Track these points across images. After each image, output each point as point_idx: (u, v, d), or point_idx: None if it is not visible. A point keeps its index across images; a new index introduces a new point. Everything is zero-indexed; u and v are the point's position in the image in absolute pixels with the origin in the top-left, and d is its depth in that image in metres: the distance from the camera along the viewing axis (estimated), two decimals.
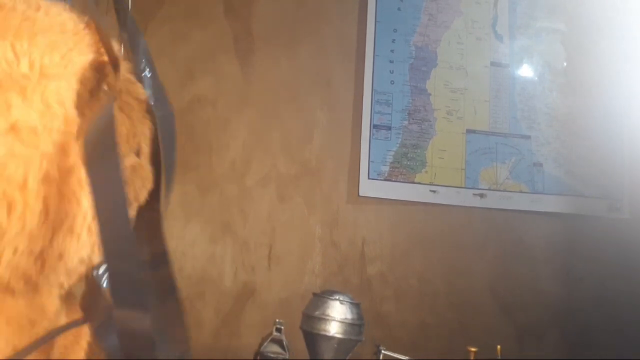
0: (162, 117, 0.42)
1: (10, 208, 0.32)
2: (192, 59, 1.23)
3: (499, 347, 0.57)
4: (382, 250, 1.23)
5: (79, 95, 0.36)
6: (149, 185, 0.41)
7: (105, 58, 0.40)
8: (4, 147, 0.32)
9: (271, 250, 1.23)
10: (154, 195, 0.41)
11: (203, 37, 1.23)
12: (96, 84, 0.38)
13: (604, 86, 1.29)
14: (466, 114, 1.24)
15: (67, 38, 0.38)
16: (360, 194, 1.21)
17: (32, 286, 0.35)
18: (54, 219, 0.33)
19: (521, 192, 1.24)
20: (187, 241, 1.19)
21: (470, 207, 1.23)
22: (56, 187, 0.33)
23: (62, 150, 0.34)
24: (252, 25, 1.26)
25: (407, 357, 0.54)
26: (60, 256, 0.35)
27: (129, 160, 0.39)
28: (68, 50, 0.37)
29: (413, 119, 1.23)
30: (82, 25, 0.40)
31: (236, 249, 1.21)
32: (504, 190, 1.23)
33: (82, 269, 0.39)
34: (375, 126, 1.22)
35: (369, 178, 1.20)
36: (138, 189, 0.40)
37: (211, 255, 1.19)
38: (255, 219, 1.22)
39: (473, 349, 0.56)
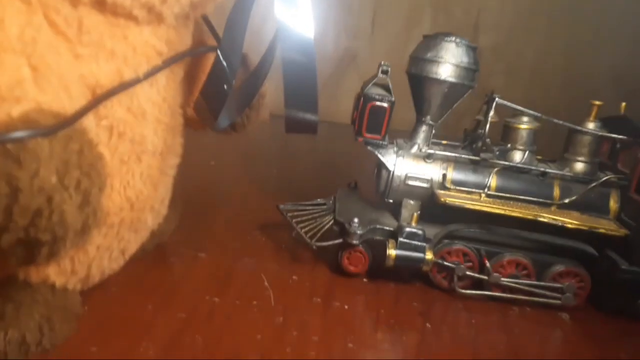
0: None
1: None
2: None
3: (624, 104, 0.51)
4: (500, 20, 1.11)
5: None
6: None
7: None
8: None
9: (375, 14, 1.15)
10: None
11: None
12: None
13: None
14: None
15: None
16: None
17: (156, 15, 0.33)
18: None
19: None
20: None
21: None
22: None
23: None
24: None
25: (521, 107, 0.49)
26: None
27: None
28: None
29: None
30: None
31: (338, 11, 1.14)
32: None
33: (210, 3, 0.36)
34: None
35: None
36: None
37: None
38: None
39: (597, 103, 0.50)
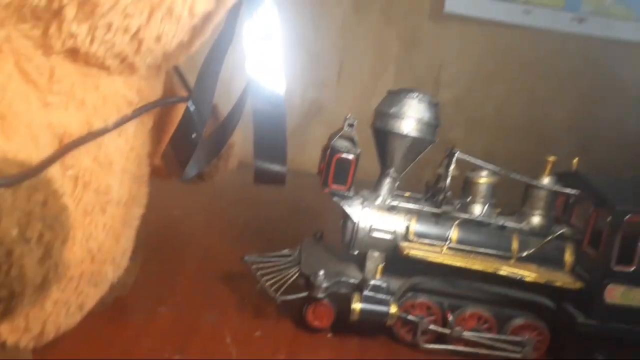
0: None
1: None
2: None
3: (577, 159, 0.54)
4: (460, 75, 1.16)
5: None
6: None
7: None
8: None
9: (341, 68, 1.18)
10: None
11: None
12: None
13: None
14: None
15: None
16: (446, 10, 1.10)
17: (129, 66, 0.33)
18: None
19: (628, 18, 1.09)
20: None
21: (566, 32, 1.10)
22: None
23: None
24: None
25: (482, 161, 0.51)
26: (158, 39, 0.32)
27: None
28: None
29: None
30: None
31: (305, 63, 1.17)
32: (608, 16, 1.09)
33: (182, 55, 0.37)
34: None
35: None
36: None
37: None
38: (328, 31, 1.15)
39: (551, 159, 0.52)
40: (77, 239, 0.33)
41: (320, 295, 0.46)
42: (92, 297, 0.37)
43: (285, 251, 0.53)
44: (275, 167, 0.39)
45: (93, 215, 0.34)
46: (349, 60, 1.17)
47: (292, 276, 0.49)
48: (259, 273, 0.49)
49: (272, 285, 0.48)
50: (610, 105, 1.17)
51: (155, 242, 0.58)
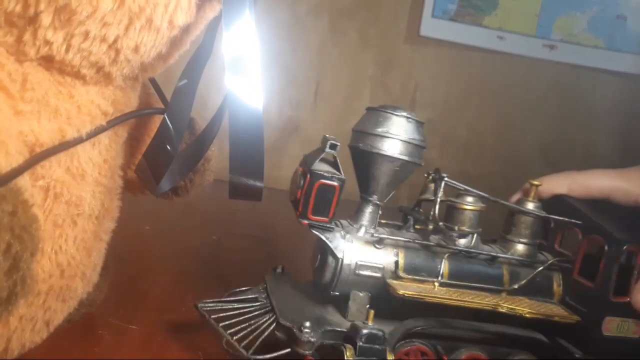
0: None
1: None
2: None
3: None
4: (435, 97, 1.19)
5: None
6: None
7: None
8: None
9: (319, 86, 1.19)
10: None
11: None
12: None
13: None
14: None
15: None
16: (421, 34, 1.13)
17: (104, 76, 0.33)
18: (131, 5, 0.29)
19: (596, 47, 1.13)
20: None
21: (537, 58, 1.14)
22: None
23: None
24: None
25: (465, 186, 0.48)
26: (136, 49, 0.31)
27: None
28: None
29: None
30: None
31: (283, 82, 1.17)
32: (578, 44, 1.13)
33: (160, 66, 0.36)
34: None
35: (432, 16, 1.11)
36: None
37: None
38: (305, 52, 1.16)
39: (536, 183, 0.50)
40: (46, 252, 0.32)
41: (308, 352, 0.39)
42: (60, 313, 0.35)
43: (248, 292, 0.46)
44: (252, 182, 0.38)
45: (63, 228, 0.33)
46: (326, 80, 1.18)
47: (266, 328, 0.41)
48: (220, 325, 0.41)
49: (241, 340, 0.40)
50: (580, 128, 1.20)
51: (126, 258, 0.57)
